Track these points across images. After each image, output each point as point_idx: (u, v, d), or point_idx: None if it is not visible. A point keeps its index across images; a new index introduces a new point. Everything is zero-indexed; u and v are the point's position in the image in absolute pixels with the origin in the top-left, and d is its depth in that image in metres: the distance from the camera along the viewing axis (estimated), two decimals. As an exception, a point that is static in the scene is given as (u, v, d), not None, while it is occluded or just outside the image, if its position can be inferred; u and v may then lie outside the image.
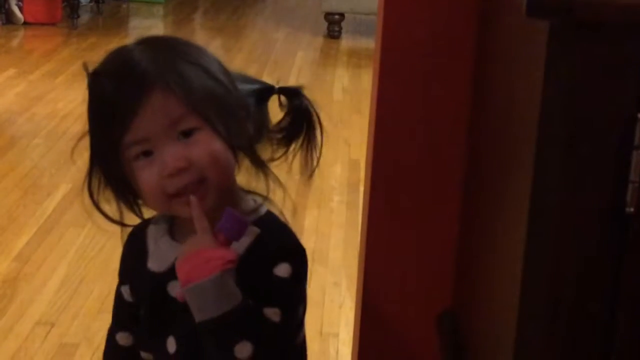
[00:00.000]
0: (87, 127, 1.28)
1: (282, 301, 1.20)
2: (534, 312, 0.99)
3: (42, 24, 6.00)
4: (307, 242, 2.90)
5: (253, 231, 1.21)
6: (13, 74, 4.94)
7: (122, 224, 1.32)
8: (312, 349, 2.37)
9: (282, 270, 1.20)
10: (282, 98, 1.29)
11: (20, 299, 2.67)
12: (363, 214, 1.72)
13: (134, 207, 1.30)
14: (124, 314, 1.35)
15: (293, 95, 1.29)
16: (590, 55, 0.90)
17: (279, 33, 6.08)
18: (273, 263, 1.20)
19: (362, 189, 2.15)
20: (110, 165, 1.25)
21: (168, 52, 1.23)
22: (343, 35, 5.96)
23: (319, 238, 2.91)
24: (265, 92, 1.28)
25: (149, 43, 1.25)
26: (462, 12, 1.49)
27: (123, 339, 1.35)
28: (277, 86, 1.28)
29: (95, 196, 1.29)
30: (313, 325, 2.45)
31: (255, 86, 1.28)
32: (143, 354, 1.33)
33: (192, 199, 1.18)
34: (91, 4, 6.69)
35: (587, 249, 0.96)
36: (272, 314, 1.18)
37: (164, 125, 1.18)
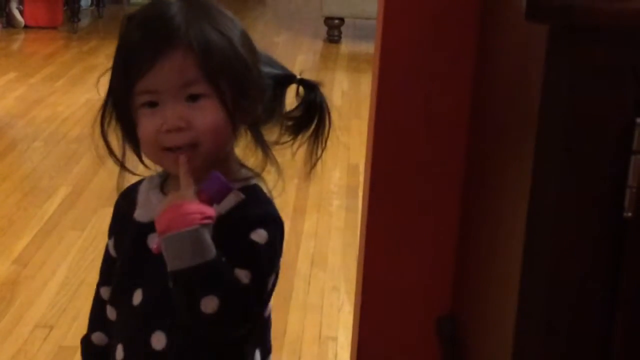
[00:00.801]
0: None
1: (254, 265, 1.22)
2: (532, 316, 0.99)
3: (43, 28, 6.00)
4: (306, 246, 2.90)
5: (238, 196, 1.25)
6: (13, 77, 4.94)
7: (122, 164, 1.36)
8: (311, 353, 2.37)
9: (258, 235, 1.23)
10: (300, 89, 1.32)
11: (20, 301, 2.66)
12: (362, 218, 1.72)
13: (137, 151, 1.33)
14: (107, 269, 1.38)
15: (311, 88, 1.33)
16: (588, 60, 0.90)
17: (280, 37, 6.08)
18: (250, 228, 1.23)
19: (361, 193, 2.15)
20: (122, 105, 1.29)
21: (202, 15, 1.25)
22: (343, 39, 5.96)
23: (318, 242, 2.91)
24: (285, 78, 1.32)
25: (189, 1, 1.27)
26: (461, 16, 1.49)
27: (106, 292, 1.37)
28: (298, 76, 1.31)
29: (104, 128, 1.32)
30: (312, 329, 2.45)
31: (277, 71, 1.31)
32: (109, 311, 1.35)
33: (182, 158, 1.22)
34: (92, 7, 6.69)
35: (586, 253, 0.96)
36: (243, 275, 1.21)
37: (177, 83, 1.22)
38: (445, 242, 1.58)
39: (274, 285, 1.28)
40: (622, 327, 0.97)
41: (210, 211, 1.20)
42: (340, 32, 5.96)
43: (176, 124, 1.22)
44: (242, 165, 1.30)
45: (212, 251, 1.19)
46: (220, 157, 1.27)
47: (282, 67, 1.33)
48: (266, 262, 1.24)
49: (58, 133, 4.12)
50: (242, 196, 1.25)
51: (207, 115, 1.22)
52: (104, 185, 3.46)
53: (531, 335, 1.00)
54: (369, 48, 4.42)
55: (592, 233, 0.95)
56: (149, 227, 1.27)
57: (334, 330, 2.44)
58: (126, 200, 1.38)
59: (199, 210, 1.19)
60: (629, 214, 0.93)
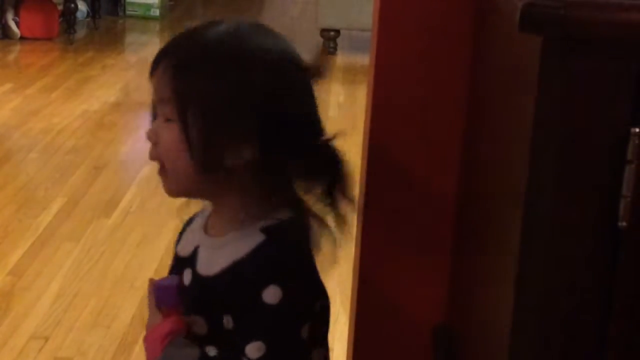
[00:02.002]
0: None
1: (267, 334, 1.16)
2: (527, 326, 0.99)
3: (39, 39, 6.00)
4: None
5: (256, 238, 1.19)
6: (9, 88, 4.94)
7: None
8: (306, 364, 2.36)
9: (271, 295, 1.15)
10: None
11: (15, 312, 2.66)
12: (357, 229, 1.72)
13: None
14: None
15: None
16: (583, 71, 0.91)
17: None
18: (262, 284, 1.16)
19: (356, 200, 2.15)
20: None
21: (209, 38, 1.22)
22: (338, 51, 5.97)
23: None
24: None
25: (216, 24, 1.24)
26: (456, 27, 1.49)
27: None
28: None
29: None
30: (307, 340, 2.44)
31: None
32: None
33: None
34: (88, 19, 6.69)
35: (580, 263, 0.96)
36: (255, 350, 1.15)
37: (156, 99, 1.22)
38: (440, 251, 1.58)
39: (318, 330, 1.21)
40: (617, 338, 0.97)
41: (167, 327, 1.20)
42: (336, 44, 5.96)
43: (148, 137, 1.23)
44: (282, 204, 1.22)
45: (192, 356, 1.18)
46: (224, 190, 1.22)
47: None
48: (283, 326, 1.16)
49: (54, 144, 4.12)
50: (262, 238, 1.19)
51: (167, 139, 1.20)
52: (99, 197, 3.46)
53: (526, 346, 1.00)
54: (365, 60, 4.42)
55: (587, 242, 0.95)
56: (185, 261, 1.27)
57: (329, 341, 2.44)
58: (182, 229, 1.36)
59: (159, 334, 1.20)
60: (624, 224, 0.93)
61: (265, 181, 1.20)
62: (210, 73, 1.19)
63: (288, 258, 1.19)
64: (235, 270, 1.18)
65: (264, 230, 1.20)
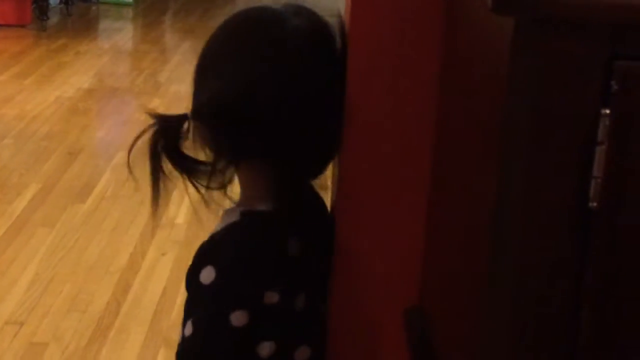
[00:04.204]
0: None
1: (196, 312, 1.14)
2: (500, 307, 0.99)
3: (11, 26, 5.96)
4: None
5: (232, 218, 1.20)
6: (-18, 75, 4.91)
7: None
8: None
9: (206, 275, 1.13)
10: None
11: (-10, 298, 2.65)
12: (331, 210, 1.71)
13: None
14: None
15: None
16: (554, 52, 0.91)
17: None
18: (202, 264, 1.14)
19: (330, 184, 2.15)
20: None
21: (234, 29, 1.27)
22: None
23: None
24: None
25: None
26: (429, 10, 1.49)
27: None
28: None
29: None
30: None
31: None
32: None
33: None
34: (60, 5, 6.65)
35: (551, 244, 0.96)
36: (187, 328, 1.13)
37: None
38: (412, 235, 1.58)
39: (264, 320, 1.17)
40: (588, 317, 0.97)
41: None
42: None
43: None
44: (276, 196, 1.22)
45: None
46: (238, 167, 1.25)
47: None
48: (210, 308, 1.13)
49: (27, 131, 4.10)
50: (236, 219, 1.19)
51: None
52: (73, 183, 3.44)
53: (499, 327, 1.00)
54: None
55: (558, 223, 0.95)
56: None
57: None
58: None
59: None
60: (594, 204, 0.93)
61: (270, 170, 1.19)
62: (210, 63, 1.24)
63: (235, 243, 1.18)
64: (203, 244, 1.18)
65: (242, 213, 1.19)
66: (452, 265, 1.29)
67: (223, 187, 1.21)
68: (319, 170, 1.24)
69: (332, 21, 1.28)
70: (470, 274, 1.11)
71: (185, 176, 1.21)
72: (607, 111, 0.91)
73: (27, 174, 3.55)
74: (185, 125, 1.18)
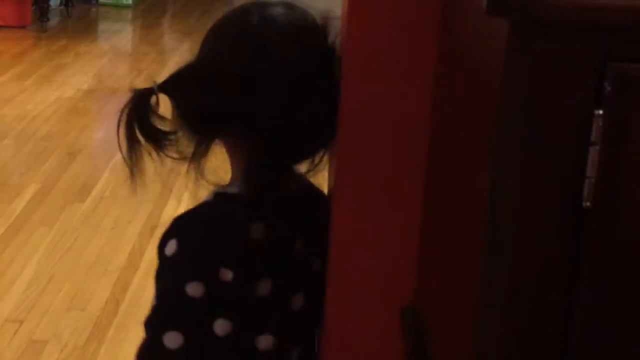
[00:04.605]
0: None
1: (158, 281, 1.18)
2: (495, 307, 0.99)
3: (12, 27, 5.96)
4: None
5: (206, 197, 1.24)
6: (-17, 76, 4.91)
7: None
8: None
9: (169, 247, 1.18)
10: None
11: (-10, 296, 2.65)
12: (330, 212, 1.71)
13: None
14: None
15: None
16: (548, 53, 0.91)
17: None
18: (168, 237, 1.20)
19: (325, 187, 2.15)
20: None
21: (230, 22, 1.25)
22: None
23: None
24: None
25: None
26: (426, 11, 1.49)
27: None
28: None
29: None
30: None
31: None
32: None
33: None
34: (61, 7, 6.65)
35: (546, 243, 0.96)
36: (153, 298, 1.19)
37: None
38: (408, 235, 1.58)
39: (226, 299, 1.19)
40: (582, 316, 0.97)
41: None
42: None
43: None
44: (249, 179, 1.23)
45: None
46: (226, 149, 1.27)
47: None
48: (168, 279, 1.17)
49: (27, 131, 4.10)
50: (208, 199, 1.22)
51: None
52: (73, 182, 3.44)
53: (494, 325, 1.00)
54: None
55: (552, 223, 0.95)
56: None
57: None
58: None
59: None
60: (588, 204, 0.93)
61: (245, 153, 1.20)
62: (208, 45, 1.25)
63: (199, 219, 1.21)
64: (174, 219, 1.23)
65: (215, 193, 1.20)
66: (446, 264, 1.29)
67: (193, 159, 1.21)
68: (299, 156, 1.22)
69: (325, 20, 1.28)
70: (465, 273, 1.11)
71: (153, 147, 1.23)
72: (601, 112, 0.92)
73: (27, 173, 3.55)
74: (154, 99, 1.21)
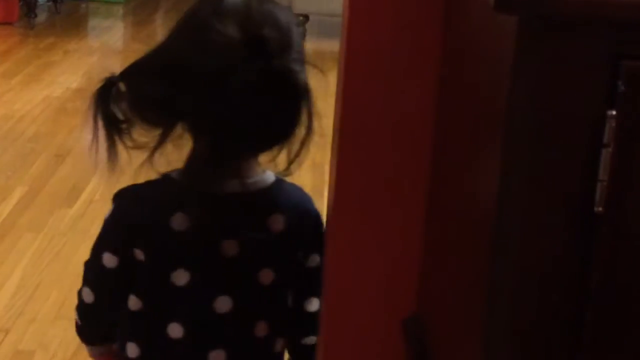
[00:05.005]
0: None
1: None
2: (501, 316, 0.99)
3: (-2, 24, 5.96)
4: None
5: None
6: (-32, 74, 4.91)
7: None
8: None
9: (108, 211, 1.36)
10: None
11: (-26, 304, 2.64)
12: (327, 218, 1.71)
13: None
14: None
15: None
16: (559, 51, 0.90)
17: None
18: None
19: (326, 193, 2.15)
20: None
21: None
22: (308, 37, 5.95)
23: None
24: None
25: None
26: (428, 11, 1.49)
27: None
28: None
29: None
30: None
31: None
32: None
33: None
34: (49, 3, 6.65)
35: (555, 250, 0.96)
36: None
37: None
38: (410, 242, 1.58)
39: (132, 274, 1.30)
40: (592, 324, 0.97)
41: None
42: (305, 29, 5.95)
43: None
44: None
45: None
46: None
47: None
48: (96, 241, 1.34)
49: (14, 131, 4.09)
50: (157, 178, 1.30)
51: None
52: (61, 186, 3.43)
53: (500, 334, 1.00)
54: (334, 46, 4.42)
55: (562, 229, 0.95)
56: None
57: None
58: None
59: None
60: (600, 209, 0.93)
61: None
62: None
63: (131, 195, 1.31)
64: None
65: (162, 174, 1.28)
66: (451, 272, 1.29)
67: (151, 149, 1.24)
68: (243, 152, 1.24)
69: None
70: (470, 281, 1.11)
71: (111, 135, 1.30)
72: (614, 112, 0.91)
73: (13, 176, 3.55)
74: (114, 88, 1.26)
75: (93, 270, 1.34)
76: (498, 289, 0.98)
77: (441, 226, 1.42)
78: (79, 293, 1.36)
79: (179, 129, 1.23)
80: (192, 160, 1.26)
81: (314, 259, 1.37)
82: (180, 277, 1.26)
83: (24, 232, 3.13)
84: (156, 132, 1.24)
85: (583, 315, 0.96)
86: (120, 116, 1.27)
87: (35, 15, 6.02)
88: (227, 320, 1.29)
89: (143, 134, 1.26)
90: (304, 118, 1.24)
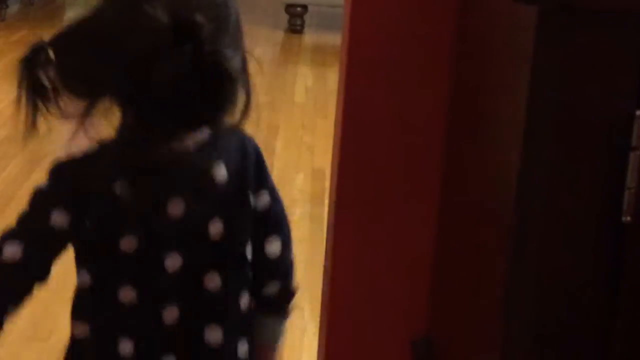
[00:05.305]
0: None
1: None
2: (518, 333, 0.99)
3: (-35, 15, 5.96)
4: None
5: None
6: None
7: None
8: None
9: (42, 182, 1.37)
10: None
11: (-61, 325, 2.64)
12: (328, 229, 1.71)
13: None
14: None
15: None
16: (582, 46, 0.91)
17: (235, 27, 6.07)
18: None
19: (327, 201, 2.14)
20: None
21: None
22: (306, 29, 5.96)
23: (279, 256, 2.90)
24: None
25: None
26: (439, 1, 1.49)
27: None
28: None
29: None
30: (271, 354, 2.44)
31: None
32: None
33: None
34: (21, -7, 6.65)
35: (577, 266, 0.96)
36: None
37: None
38: (420, 257, 1.58)
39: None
40: (622, 338, 0.97)
41: None
42: (303, 21, 5.95)
43: None
44: None
45: None
46: None
47: None
48: (40, 193, 1.35)
49: (-17, 134, 4.10)
50: (93, 148, 1.34)
51: None
52: (35, 193, 3.44)
53: (521, 353, 1.00)
54: (336, 39, 4.42)
55: (585, 241, 0.95)
56: None
57: (297, 355, 2.44)
58: None
59: None
60: (628, 219, 0.93)
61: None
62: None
63: (71, 165, 1.36)
64: None
65: (99, 144, 1.33)
66: (465, 292, 1.29)
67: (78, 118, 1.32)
68: (175, 127, 1.32)
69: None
70: (487, 298, 1.11)
71: (34, 102, 1.34)
72: (643, 112, 0.91)
73: (-18, 183, 3.55)
74: (43, 54, 1.31)
75: (33, 226, 1.36)
76: (517, 306, 0.99)
77: (455, 241, 1.42)
78: None
79: (106, 101, 1.30)
80: (123, 129, 1.32)
81: (264, 198, 1.41)
82: (129, 244, 1.33)
83: (-5, 244, 3.13)
84: (83, 103, 1.30)
85: (613, 328, 0.96)
86: (46, 84, 1.32)
87: (7, 6, 6.03)
88: (178, 277, 1.34)
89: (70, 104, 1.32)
90: (238, 102, 1.31)
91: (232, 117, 1.31)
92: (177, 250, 1.34)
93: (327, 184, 1.51)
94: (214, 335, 1.35)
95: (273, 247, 1.45)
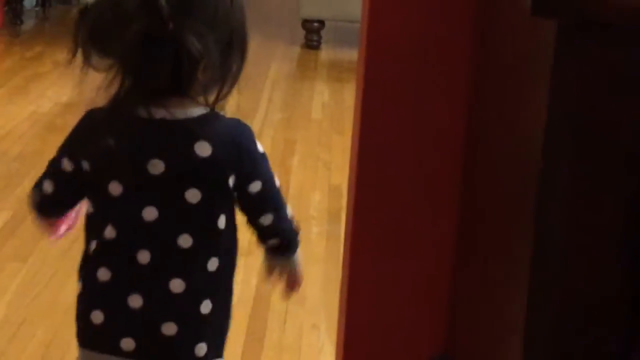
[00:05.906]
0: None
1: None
2: (540, 353, 0.98)
3: (-20, 31, 6.00)
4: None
5: None
6: (-54, 87, 4.93)
7: None
8: (287, 400, 2.36)
9: None
10: None
11: (-48, 343, 2.65)
12: (345, 247, 1.71)
13: None
14: None
15: None
16: (602, 59, 0.91)
17: (251, 42, 6.08)
18: None
19: (344, 218, 2.14)
20: None
21: None
22: (323, 45, 5.97)
23: (295, 274, 2.90)
24: None
25: None
26: (457, 15, 1.49)
27: None
28: None
29: None
30: (289, 374, 2.45)
31: None
32: None
33: None
34: (37, 8, 6.68)
35: (601, 282, 0.96)
36: None
37: None
38: (438, 274, 1.57)
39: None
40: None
41: None
42: (319, 37, 5.97)
43: None
44: None
45: None
46: None
47: None
48: (65, 140, 1.65)
49: (-3, 150, 4.11)
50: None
51: None
52: (49, 211, 3.45)
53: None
54: (352, 55, 4.42)
55: (610, 258, 0.95)
56: None
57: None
58: None
59: None
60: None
61: None
62: None
63: (91, 115, 1.61)
64: None
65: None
66: (484, 308, 1.29)
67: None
68: (152, 92, 1.53)
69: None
70: (506, 316, 1.11)
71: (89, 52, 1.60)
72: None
73: (-4, 200, 3.57)
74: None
75: (54, 170, 1.65)
76: (536, 327, 0.98)
77: (473, 259, 1.42)
78: (39, 184, 1.67)
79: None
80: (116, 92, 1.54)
81: (256, 185, 1.57)
82: (115, 189, 1.55)
83: (8, 261, 3.14)
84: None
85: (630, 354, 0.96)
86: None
87: (22, 22, 6.06)
88: (153, 227, 1.55)
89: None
90: (211, 84, 1.51)
91: (208, 97, 1.52)
92: (154, 204, 1.55)
93: (344, 201, 1.51)
94: (177, 285, 1.54)
95: (267, 219, 1.59)
